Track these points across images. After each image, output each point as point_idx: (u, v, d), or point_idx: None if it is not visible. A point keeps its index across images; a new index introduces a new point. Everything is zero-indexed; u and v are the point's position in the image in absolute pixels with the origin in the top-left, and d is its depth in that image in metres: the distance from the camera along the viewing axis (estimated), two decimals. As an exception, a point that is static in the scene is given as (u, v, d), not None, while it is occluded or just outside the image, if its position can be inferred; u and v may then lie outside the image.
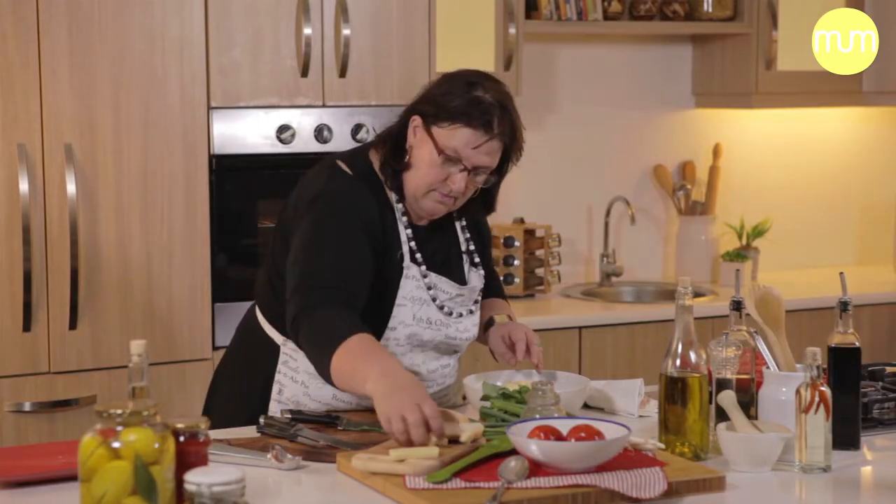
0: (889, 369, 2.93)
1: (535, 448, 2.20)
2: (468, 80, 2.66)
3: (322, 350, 2.51)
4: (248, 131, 3.88)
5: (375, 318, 2.66)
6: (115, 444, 1.90)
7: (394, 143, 2.69)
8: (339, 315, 2.55)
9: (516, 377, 2.80)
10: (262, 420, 2.55)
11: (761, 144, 5.23)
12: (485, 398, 2.60)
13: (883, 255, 5.35)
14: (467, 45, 4.40)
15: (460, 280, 2.81)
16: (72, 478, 2.11)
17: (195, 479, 1.85)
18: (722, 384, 2.47)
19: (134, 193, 3.72)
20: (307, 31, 3.89)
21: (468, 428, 2.39)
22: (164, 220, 3.76)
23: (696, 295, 4.67)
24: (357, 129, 3.99)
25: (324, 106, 3.97)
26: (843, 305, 2.54)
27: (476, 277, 2.84)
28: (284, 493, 2.27)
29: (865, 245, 5.43)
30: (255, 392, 2.76)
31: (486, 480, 2.18)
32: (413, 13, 4.04)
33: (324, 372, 2.53)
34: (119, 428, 1.91)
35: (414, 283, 2.69)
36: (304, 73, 3.91)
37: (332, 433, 2.53)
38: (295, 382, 2.72)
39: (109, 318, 3.71)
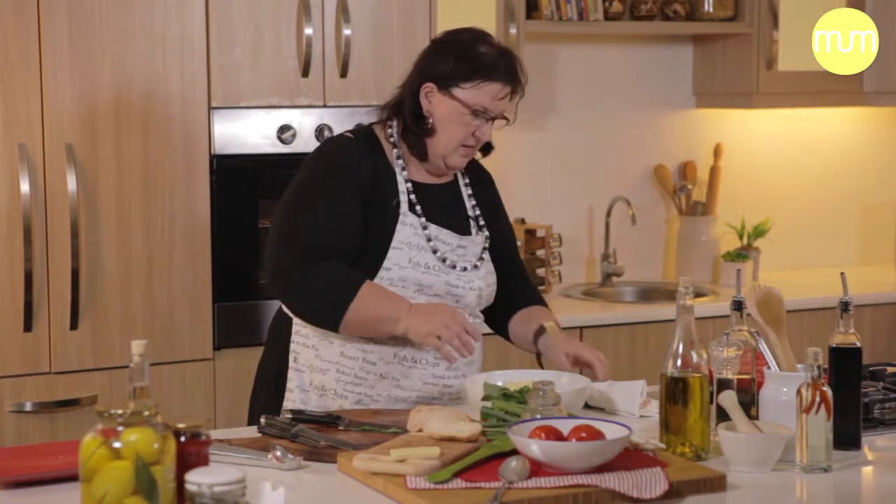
0: (890, 369, 2.93)
1: (536, 448, 2.20)
2: (470, 39, 2.87)
3: (332, 302, 2.73)
4: (248, 131, 3.89)
5: (369, 261, 2.80)
6: (116, 445, 1.90)
7: (411, 112, 2.84)
8: (337, 267, 2.75)
9: (517, 378, 2.79)
10: (262, 420, 2.55)
11: (762, 144, 5.23)
12: (485, 398, 2.60)
13: (884, 256, 5.35)
14: (468, 45, 4.39)
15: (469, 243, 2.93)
16: (73, 478, 2.11)
17: (196, 479, 1.85)
18: (723, 384, 2.48)
19: (135, 193, 3.72)
20: (308, 30, 3.89)
21: (467, 427, 2.39)
22: (165, 220, 3.76)
23: (697, 295, 4.67)
24: (358, 129, 3.99)
25: (325, 106, 3.97)
26: (844, 305, 2.54)
27: (481, 238, 2.96)
28: (285, 494, 2.27)
29: (866, 245, 5.43)
30: (275, 365, 2.92)
31: (487, 480, 2.18)
32: (414, 13, 4.04)
33: (332, 321, 2.74)
34: (120, 428, 1.91)
35: (411, 231, 2.83)
36: (305, 73, 3.91)
37: (332, 433, 2.53)
38: (306, 347, 2.86)
39: (110, 318, 3.71)
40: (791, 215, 5.27)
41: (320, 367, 2.84)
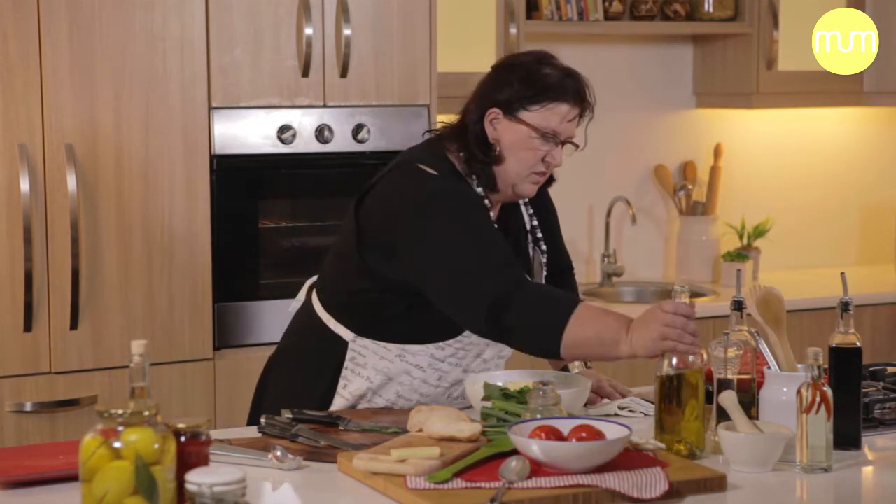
0: (890, 369, 2.93)
1: (536, 448, 2.20)
2: (532, 61, 2.75)
3: (549, 326, 2.53)
4: (248, 131, 3.89)
5: None
6: (116, 445, 1.90)
7: (477, 140, 2.73)
8: (545, 288, 2.64)
9: (517, 378, 2.79)
10: (263, 420, 2.55)
11: (762, 144, 5.23)
12: (486, 398, 2.60)
13: (884, 255, 5.35)
14: (468, 46, 4.39)
15: (525, 261, 2.87)
16: (73, 478, 2.11)
17: (196, 479, 1.85)
18: (723, 384, 2.47)
19: (135, 193, 3.72)
20: (308, 31, 3.89)
21: (467, 427, 2.39)
22: (165, 220, 3.76)
23: (698, 295, 4.68)
24: (358, 129, 3.99)
25: (325, 106, 3.97)
26: (844, 305, 2.54)
27: (538, 257, 2.90)
28: (285, 494, 2.27)
29: (866, 245, 5.43)
30: (320, 386, 2.79)
31: (487, 480, 2.18)
32: (414, 13, 4.04)
33: (551, 345, 2.54)
34: (120, 428, 1.91)
35: None
36: (305, 73, 3.91)
37: (333, 433, 2.53)
38: (360, 377, 2.76)
39: (110, 318, 3.71)
40: (791, 215, 5.27)
41: (375, 403, 2.77)
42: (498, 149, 2.72)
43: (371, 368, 2.76)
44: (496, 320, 2.57)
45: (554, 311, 2.55)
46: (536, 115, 2.70)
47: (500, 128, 2.72)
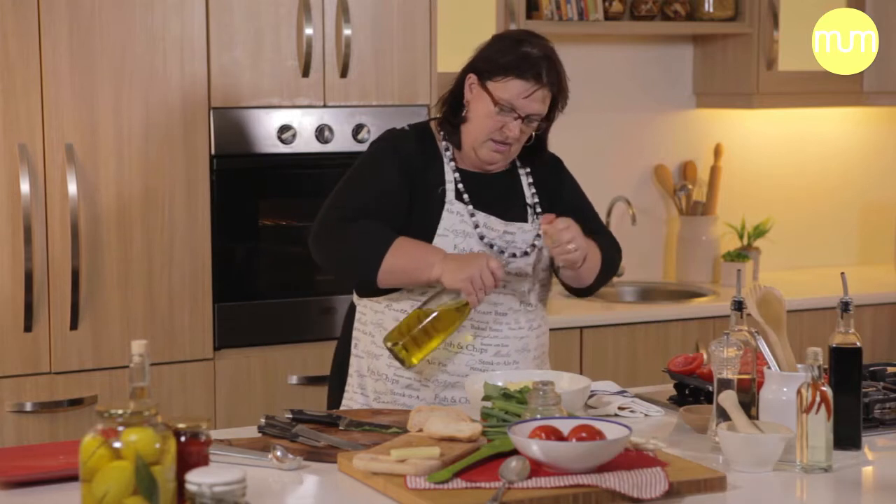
0: (890, 369, 2.93)
1: (537, 448, 2.21)
2: (516, 38, 2.94)
3: (368, 251, 2.82)
4: (248, 131, 3.88)
5: None
6: (117, 445, 1.91)
7: (452, 100, 2.95)
8: (372, 223, 2.85)
9: (517, 378, 2.79)
10: (263, 420, 2.55)
11: (762, 144, 5.23)
12: (486, 398, 2.60)
13: (884, 256, 5.35)
14: (468, 46, 4.35)
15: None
16: (73, 478, 2.11)
17: (196, 479, 1.85)
18: (723, 384, 2.48)
19: (135, 193, 3.72)
20: (308, 31, 3.89)
21: (467, 427, 2.39)
22: (165, 220, 3.76)
23: (697, 295, 4.67)
24: (358, 129, 3.99)
25: (325, 106, 3.97)
26: (845, 305, 2.54)
27: (531, 226, 2.99)
28: (285, 494, 2.27)
29: (866, 245, 5.43)
30: (343, 349, 3.07)
31: (487, 480, 2.18)
32: (414, 13, 4.04)
33: (370, 270, 2.82)
34: (120, 428, 1.91)
35: (458, 218, 2.91)
36: (305, 73, 3.91)
37: (332, 433, 2.53)
38: (365, 334, 3.01)
39: (110, 318, 3.71)
40: (791, 215, 5.27)
41: (375, 353, 2.95)
42: (466, 110, 2.92)
43: (370, 324, 2.98)
44: (322, 242, 2.87)
45: (374, 243, 2.82)
46: (498, 87, 2.87)
47: (474, 92, 2.92)
